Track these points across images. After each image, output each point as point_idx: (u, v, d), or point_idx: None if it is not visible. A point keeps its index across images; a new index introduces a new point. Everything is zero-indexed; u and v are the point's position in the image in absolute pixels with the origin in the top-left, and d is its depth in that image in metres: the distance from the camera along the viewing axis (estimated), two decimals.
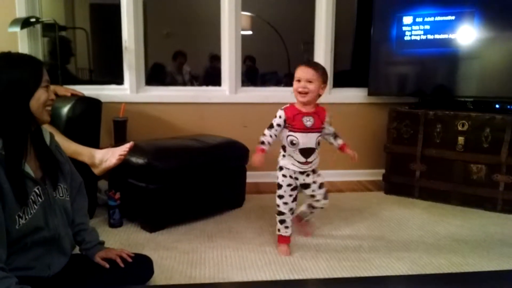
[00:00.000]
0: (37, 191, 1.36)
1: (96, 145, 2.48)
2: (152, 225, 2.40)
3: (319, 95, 2.08)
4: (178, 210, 2.48)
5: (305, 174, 2.13)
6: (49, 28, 3.21)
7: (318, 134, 2.09)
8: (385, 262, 2.06)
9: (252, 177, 3.09)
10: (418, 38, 3.13)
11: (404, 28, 3.17)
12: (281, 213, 2.16)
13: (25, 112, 1.32)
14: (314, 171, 2.16)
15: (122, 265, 1.56)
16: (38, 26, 3.22)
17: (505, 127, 2.69)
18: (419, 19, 3.11)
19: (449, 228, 2.50)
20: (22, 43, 3.15)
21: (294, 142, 2.05)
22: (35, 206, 1.34)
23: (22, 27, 2.90)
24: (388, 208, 2.85)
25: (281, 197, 2.15)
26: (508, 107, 2.88)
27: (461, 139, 2.84)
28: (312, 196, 2.18)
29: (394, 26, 3.20)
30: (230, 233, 2.40)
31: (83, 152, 2.22)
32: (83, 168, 2.11)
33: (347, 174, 3.53)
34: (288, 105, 2.11)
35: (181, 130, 3.31)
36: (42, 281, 1.38)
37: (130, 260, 1.60)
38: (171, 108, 3.34)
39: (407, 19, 3.15)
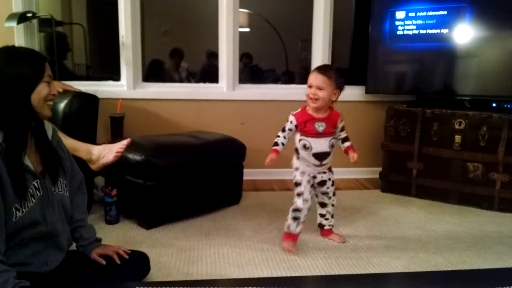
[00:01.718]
0: (35, 184, 1.36)
1: (92, 141, 2.47)
2: (149, 222, 2.39)
3: (332, 101, 2.07)
4: (175, 207, 2.47)
5: (322, 172, 2.16)
6: (45, 23, 3.19)
7: (331, 137, 2.10)
8: (383, 260, 2.06)
9: (249, 174, 3.09)
10: (411, 32, 3.13)
11: (397, 23, 3.18)
12: (297, 210, 2.10)
13: (26, 106, 1.32)
14: (329, 169, 2.20)
15: (118, 261, 1.56)
16: (35, 21, 3.19)
17: (502, 125, 2.70)
18: (411, 14, 3.11)
19: (446, 227, 2.50)
20: (18, 38, 3.13)
21: (306, 146, 2.07)
22: (33, 200, 1.34)
23: (18, 22, 2.88)
24: (385, 206, 2.85)
25: (300, 194, 2.11)
26: (505, 105, 2.88)
27: (458, 138, 2.84)
28: (326, 193, 2.21)
29: (388, 21, 3.21)
30: (227, 230, 2.39)
31: (81, 148, 2.21)
32: (80, 163, 2.09)
33: (344, 172, 3.53)
34: (299, 109, 2.11)
35: (179, 126, 3.29)
36: (38, 277, 1.37)
37: (126, 257, 1.59)
38: (168, 105, 3.33)
39: (400, 14, 3.15)
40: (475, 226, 2.52)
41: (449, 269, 1.98)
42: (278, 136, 2.12)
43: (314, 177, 2.15)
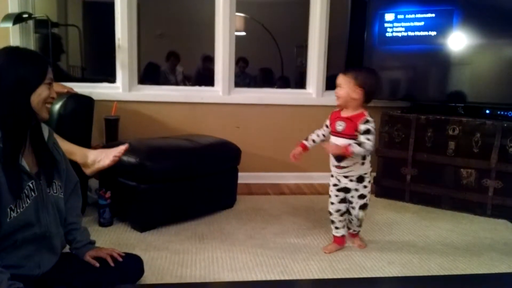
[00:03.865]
0: (30, 185, 1.36)
1: (87, 143, 2.46)
2: (143, 225, 2.38)
3: (354, 99, 2.03)
4: (169, 210, 2.47)
5: (348, 178, 2.12)
6: (41, 25, 3.18)
7: (350, 139, 2.01)
8: (376, 266, 2.06)
9: (243, 178, 3.09)
10: (399, 34, 3.15)
11: (386, 25, 3.20)
12: (329, 213, 2.21)
13: (25, 106, 1.34)
14: (360, 179, 2.12)
15: (112, 264, 1.55)
16: (31, 22, 3.18)
17: (495, 132, 2.72)
18: (400, 16, 3.14)
19: (439, 232, 2.51)
20: (13, 39, 3.11)
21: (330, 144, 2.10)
22: (28, 201, 1.34)
23: (14, 23, 2.87)
24: (379, 211, 2.85)
25: (329, 196, 2.19)
26: (498, 112, 2.91)
27: (452, 144, 2.86)
28: (350, 202, 2.17)
29: (378, 23, 3.23)
30: (221, 234, 2.39)
31: (76, 152, 2.20)
32: (74, 167, 2.09)
33: None
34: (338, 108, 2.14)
35: (174, 129, 3.29)
36: (32, 279, 1.37)
37: (120, 259, 1.59)
38: (163, 108, 3.32)
39: (389, 16, 3.17)
40: (468, 232, 2.53)
41: (442, 274, 1.99)
42: (313, 132, 2.17)
43: (339, 180, 2.15)
